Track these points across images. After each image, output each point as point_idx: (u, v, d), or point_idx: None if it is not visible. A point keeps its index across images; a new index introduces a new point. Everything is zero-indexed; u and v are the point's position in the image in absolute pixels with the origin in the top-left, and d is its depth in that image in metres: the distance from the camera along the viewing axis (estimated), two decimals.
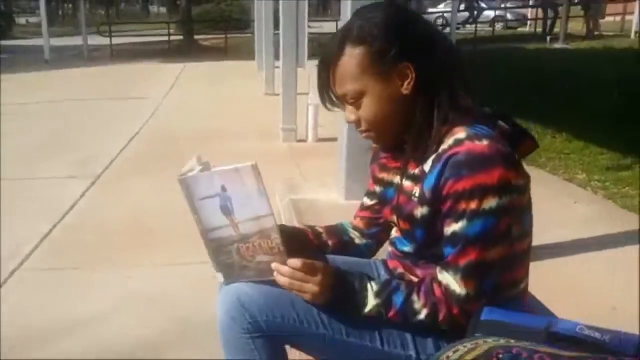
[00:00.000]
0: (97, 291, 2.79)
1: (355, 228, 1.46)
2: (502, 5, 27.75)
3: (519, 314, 0.97)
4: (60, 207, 3.95)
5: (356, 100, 1.19)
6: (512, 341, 0.82)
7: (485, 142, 1.08)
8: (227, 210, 1.16)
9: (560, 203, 4.09)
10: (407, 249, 1.26)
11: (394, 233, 1.34)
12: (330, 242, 1.43)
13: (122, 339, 2.35)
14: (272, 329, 1.18)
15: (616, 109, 5.96)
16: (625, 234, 3.50)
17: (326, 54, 1.20)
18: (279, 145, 5.83)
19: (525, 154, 1.21)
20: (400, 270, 1.30)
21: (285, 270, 1.16)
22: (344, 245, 1.43)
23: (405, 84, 1.15)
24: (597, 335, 0.85)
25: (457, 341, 0.85)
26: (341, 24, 2.69)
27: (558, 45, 13.78)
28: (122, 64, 14.38)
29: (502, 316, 0.96)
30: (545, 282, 2.25)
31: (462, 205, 1.07)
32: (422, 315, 1.12)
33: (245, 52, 14.61)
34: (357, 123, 1.23)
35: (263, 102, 8.33)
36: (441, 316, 1.11)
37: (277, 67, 7.40)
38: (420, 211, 1.16)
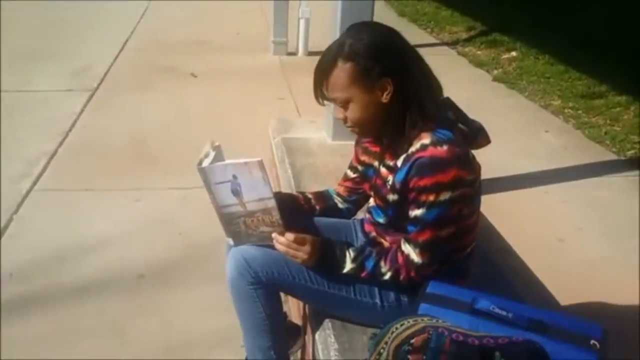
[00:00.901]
0: (107, 212, 3.10)
1: (339, 195, 1.78)
2: None
3: (453, 289, 1.30)
4: (61, 123, 4.17)
5: (344, 105, 1.46)
6: (440, 321, 1.14)
7: (444, 147, 1.36)
8: (236, 193, 1.45)
9: (532, 132, 4.39)
10: (380, 219, 1.58)
11: (372, 202, 1.65)
12: (317, 207, 1.76)
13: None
14: (270, 281, 1.53)
15: (601, 32, 6.08)
16: (586, 166, 3.83)
17: (321, 63, 1.45)
18: (269, 58, 5.95)
19: (481, 147, 1.49)
20: (373, 234, 1.63)
21: (282, 240, 1.48)
22: (329, 209, 1.77)
23: (385, 94, 1.42)
24: (503, 312, 1.17)
25: (402, 317, 1.17)
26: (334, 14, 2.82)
27: None
28: None
29: (441, 290, 1.30)
30: (501, 212, 2.62)
31: (423, 197, 1.37)
32: (387, 277, 1.46)
33: None
34: (344, 120, 1.49)
35: (254, 6, 8.24)
36: (401, 277, 1.44)
37: None
38: (392, 197, 1.47)
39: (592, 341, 1.13)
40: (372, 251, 1.50)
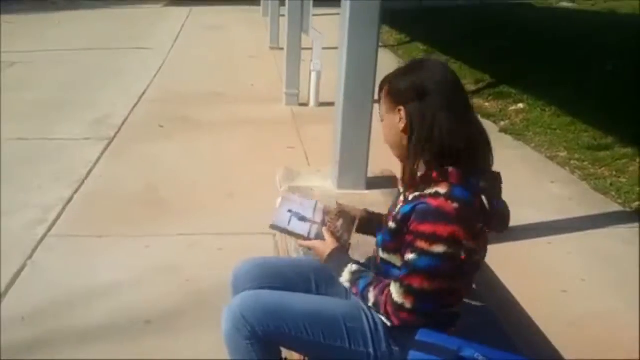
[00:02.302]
0: (118, 258, 3.18)
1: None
2: None
3: (441, 337, 1.35)
4: (78, 170, 4.31)
5: (382, 119, 1.61)
6: None
7: (455, 205, 1.38)
8: (303, 218, 1.77)
9: (538, 183, 4.44)
10: (380, 239, 1.62)
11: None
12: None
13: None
14: (267, 336, 1.58)
15: (606, 84, 6.19)
16: (591, 217, 3.86)
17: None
18: (281, 108, 6.12)
19: (493, 231, 1.53)
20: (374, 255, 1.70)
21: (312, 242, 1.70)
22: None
23: (399, 121, 1.51)
24: None
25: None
26: (340, 19, 2.97)
27: (565, 4, 13.73)
28: (125, 6, 14.37)
29: (429, 338, 1.35)
30: (505, 263, 2.65)
31: (418, 243, 1.40)
32: (370, 303, 1.52)
33: None
34: None
35: (268, 58, 8.53)
36: (381, 309, 1.49)
37: (282, 15, 7.53)
38: (391, 224, 1.53)
39: None
40: (369, 274, 1.57)
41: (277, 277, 1.79)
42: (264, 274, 1.79)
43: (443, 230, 1.37)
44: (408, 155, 1.50)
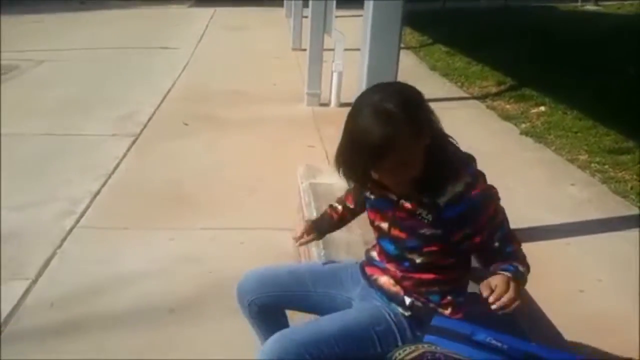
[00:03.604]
0: (143, 250, 3.28)
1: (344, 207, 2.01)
2: None
3: (455, 322, 1.41)
4: (105, 165, 4.44)
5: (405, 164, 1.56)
6: (439, 348, 1.26)
7: (482, 181, 1.54)
8: None
9: (557, 185, 4.45)
10: (391, 250, 1.66)
11: (380, 234, 1.71)
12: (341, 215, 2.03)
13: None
14: None
15: (628, 88, 6.16)
16: (610, 220, 3.87)
17: None
18: (302, 108, 6.20)
19: None
20: (375, 276, 1.74)
21: None
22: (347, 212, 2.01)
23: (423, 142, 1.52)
24: (499, 344, 1.28)
25: (406, 344, 1.29)
26: (362, 20, 3.04)
27: (590, 7, 13.62)
28: (151, 6, 14.61)
29: (444, 323, 1.41)
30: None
31: (497, 221, 1.55)
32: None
33: None
34: None
35: (290, 59, 8.62)
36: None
37: (305, 17, 7.59)
38: (429, 231, 1.56)
39: None
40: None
41: (275, 285, 1.87)
42: (262, 284, 1.87)
43: (496, 201, 1.56)
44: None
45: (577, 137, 5.46)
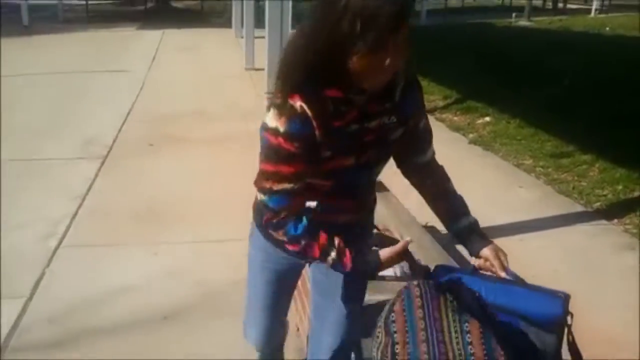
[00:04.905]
0: (130, 264, 3.41)
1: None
2: None
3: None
4: (78, 187, 4.52)
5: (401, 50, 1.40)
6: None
7: None
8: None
9: (507, 187, 4.84)
10: (366, 179, 1.60)
11: (347, 164, 1.48)
12: None
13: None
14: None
15: (563, 97, 6.70)
16: (557, 217, 4.26)
17: None
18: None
19: None
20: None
21: None
22: None
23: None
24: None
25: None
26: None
27: (523, 22, 14.50)
28: (99, 29, 14.53)
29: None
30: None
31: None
32: None
33: (221, 16, 14.80)
34: None
35: (244, 78, 8.83)
36: None
37: (257, 37, 7.75)
38: (397, 134, 1.52)
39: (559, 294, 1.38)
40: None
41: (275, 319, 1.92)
42: (269, 331, 1.92)
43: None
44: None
45: (521, 144, 5.91)
